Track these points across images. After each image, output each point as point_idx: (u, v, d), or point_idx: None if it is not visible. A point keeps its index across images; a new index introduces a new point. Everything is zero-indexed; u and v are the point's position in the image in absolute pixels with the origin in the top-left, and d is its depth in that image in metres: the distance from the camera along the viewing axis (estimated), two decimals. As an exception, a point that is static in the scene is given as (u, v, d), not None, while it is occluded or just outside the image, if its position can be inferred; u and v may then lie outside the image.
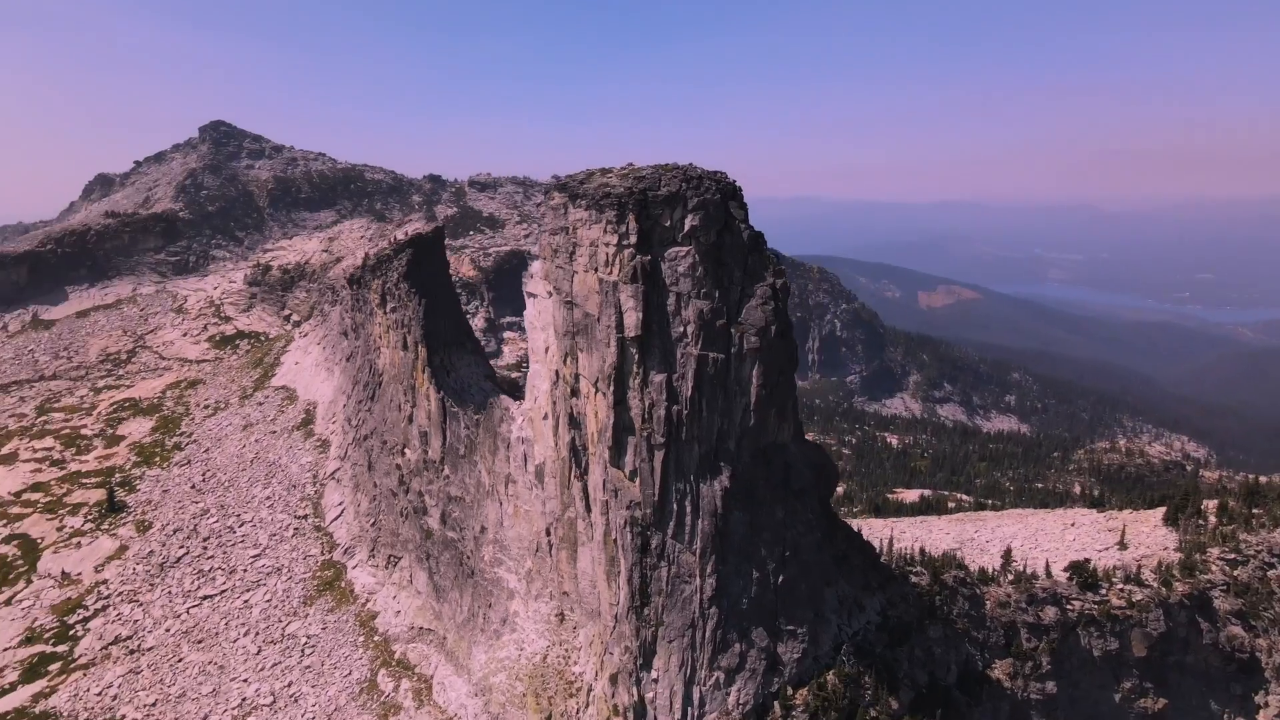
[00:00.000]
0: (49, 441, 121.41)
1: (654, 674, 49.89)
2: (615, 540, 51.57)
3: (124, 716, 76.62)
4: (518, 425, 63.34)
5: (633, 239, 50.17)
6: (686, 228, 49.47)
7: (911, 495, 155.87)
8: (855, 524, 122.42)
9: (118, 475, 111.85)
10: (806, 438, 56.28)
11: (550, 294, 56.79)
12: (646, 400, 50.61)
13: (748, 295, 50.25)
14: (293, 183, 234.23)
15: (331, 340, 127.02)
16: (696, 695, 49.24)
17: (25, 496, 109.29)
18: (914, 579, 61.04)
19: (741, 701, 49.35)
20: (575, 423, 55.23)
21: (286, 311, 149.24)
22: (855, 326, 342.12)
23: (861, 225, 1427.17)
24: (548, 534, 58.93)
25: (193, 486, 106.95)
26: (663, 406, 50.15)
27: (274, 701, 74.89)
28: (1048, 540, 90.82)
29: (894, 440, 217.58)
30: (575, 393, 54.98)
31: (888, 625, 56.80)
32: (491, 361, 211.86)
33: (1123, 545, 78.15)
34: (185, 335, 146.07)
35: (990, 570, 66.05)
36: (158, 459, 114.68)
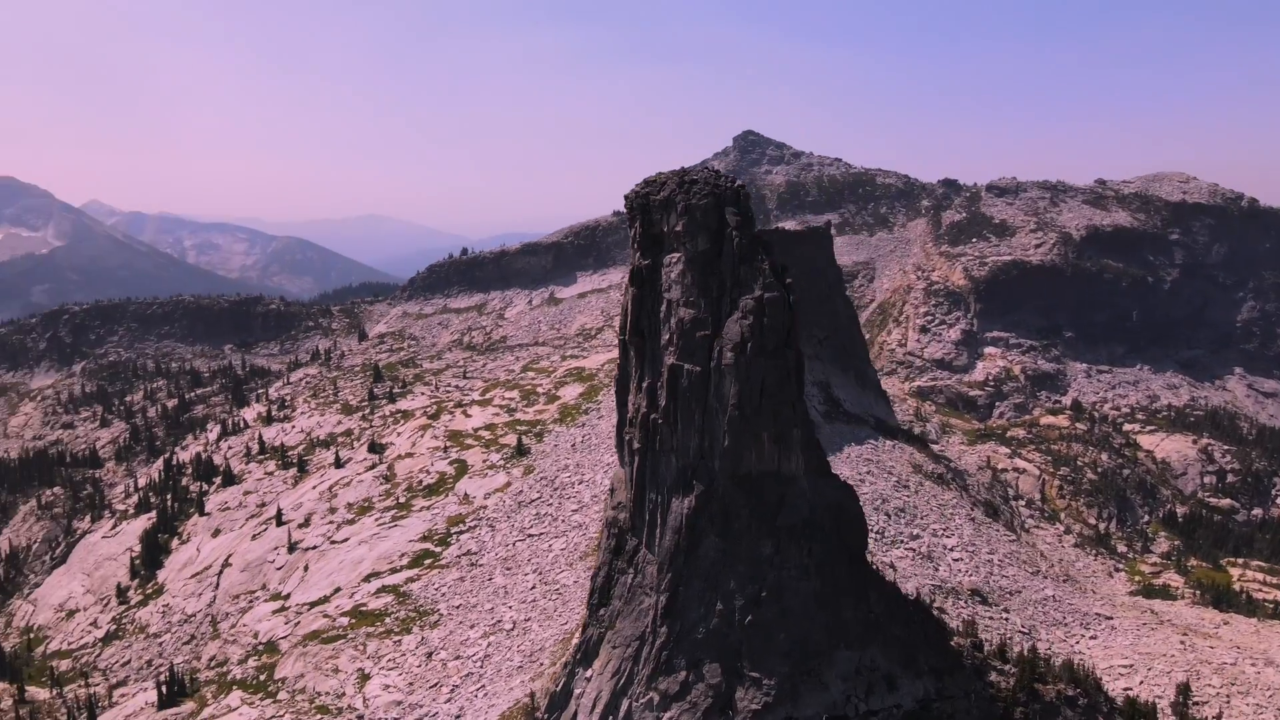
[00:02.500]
0: (514, 394, 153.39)
1: (589, 673, 49.56)
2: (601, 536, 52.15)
3: (437, 609, 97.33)
4: (636, 420, 65.78)
5: (636, 243, 50.13)
6: (674, 232, 47.82)
7: None
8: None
9: (537, 427, 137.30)
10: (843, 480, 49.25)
11: (632, 295, 58.61)
12: (636, 404, 50.27)
13: (734, 308, 46.67)
14: (802, 187, 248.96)
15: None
16: (624, 707, 47.72)
17: (479, 432, 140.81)
18: (995, 677, 48.78)
19: (671, 731, 46.69)
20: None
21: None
22: None
23: None
24: (625, 526, 60.77)
25: (572, 446, 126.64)
26: (641, 413, 49.38)
27: (513, 628, 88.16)
28: None
29: None
30: (631, 391, 56.23)
31: (926, 717, 47.31)
32: (957, 376, 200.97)
33: None
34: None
35: (1155, 702, 48.76)
36: (568, 419, 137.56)
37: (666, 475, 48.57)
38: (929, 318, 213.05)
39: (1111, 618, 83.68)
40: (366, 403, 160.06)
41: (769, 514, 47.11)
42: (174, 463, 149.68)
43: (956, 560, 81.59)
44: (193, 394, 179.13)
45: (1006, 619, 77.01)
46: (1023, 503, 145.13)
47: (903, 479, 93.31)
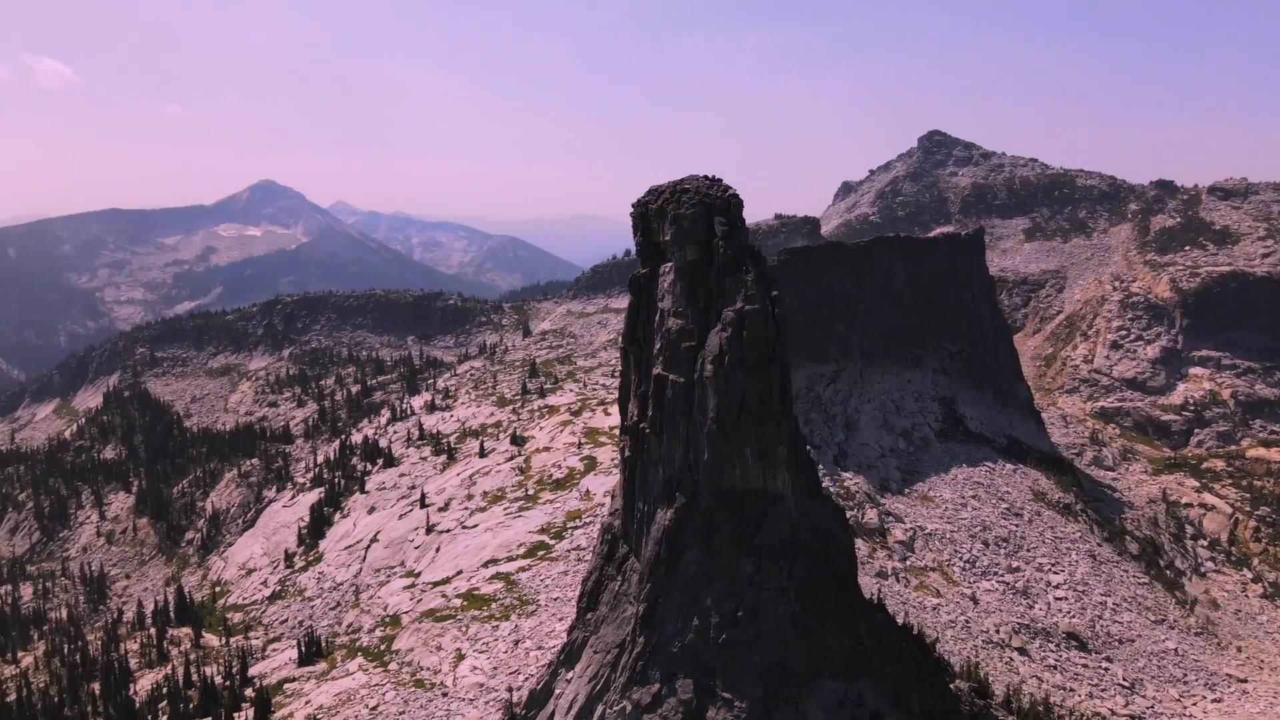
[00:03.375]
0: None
1: (570, 675, 49.67)
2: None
3: (538, 599, 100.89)
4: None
5: (639, 251, 50.07)
6: (665, 242, 47.34)
7: None
8: None
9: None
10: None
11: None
12: (630, 412, 50.21)
13: (717, 319, 45.67)
14: (989, 189, 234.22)
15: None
16: (599, 712, 47.57)
17: (613, 430, 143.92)
18: (992, 732, 44.73)
19: (640, 742, 46.40)
20: (645, 428, 56.80)
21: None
22: None
23: None
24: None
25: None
26: (632, 421, 49.27)
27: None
28: None
29: None
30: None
31: (907, 765, 44.53)
32: (1151, 398, 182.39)
33: None
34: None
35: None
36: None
37: (654, 485, 48.32)
38: (1123, 332, 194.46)
39: (1245, 680, 73.89)
40: (519, 396, 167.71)
41: (750, 532, 45.82)
42: (347, 443, 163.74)
43: (1059, 599, 74.65)
44: (374, 381, 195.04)
45: (1105, 669, 69.85)
46: (1204, 543, 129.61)
47: (1015, 506, 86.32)
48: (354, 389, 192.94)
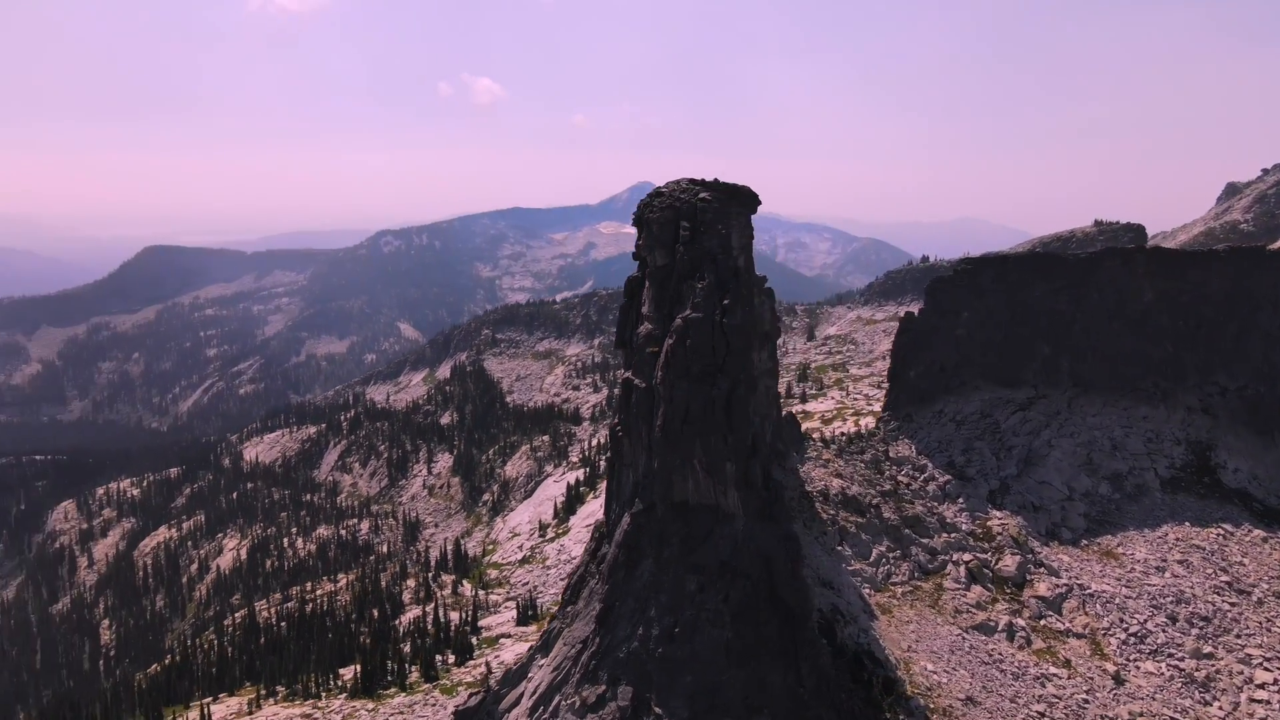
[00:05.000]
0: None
1: (543, 662, 49.72)
2: (597, 539, 51.88)
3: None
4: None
5: (635, 254, 49.47)
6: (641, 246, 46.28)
7: None
8: None
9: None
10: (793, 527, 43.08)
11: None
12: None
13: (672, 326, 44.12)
14: None
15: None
16: (555, 702, 47.72)
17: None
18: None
19: (581, 740, 46.53)
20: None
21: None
22: None
23: None
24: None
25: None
26: (612, 424, 48.90)
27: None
28: None
29: None
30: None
31: (820, 832, 40.67)
32: None
33: None
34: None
35: None
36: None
37: (625, 488, 47.97)
38: None
39: None
40: (782, 400, 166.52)
41: (695, 548, 44.08)
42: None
43: (1256, 700, 59.10)
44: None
45: (1289, 803, 54.96)
46: None
47: (1243, 582, 69.00)
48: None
